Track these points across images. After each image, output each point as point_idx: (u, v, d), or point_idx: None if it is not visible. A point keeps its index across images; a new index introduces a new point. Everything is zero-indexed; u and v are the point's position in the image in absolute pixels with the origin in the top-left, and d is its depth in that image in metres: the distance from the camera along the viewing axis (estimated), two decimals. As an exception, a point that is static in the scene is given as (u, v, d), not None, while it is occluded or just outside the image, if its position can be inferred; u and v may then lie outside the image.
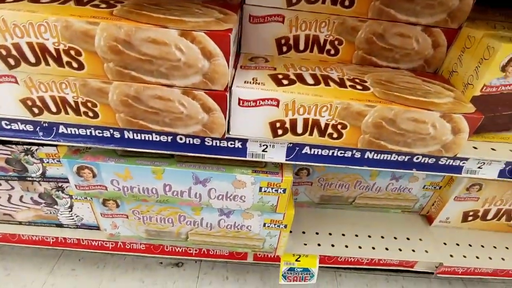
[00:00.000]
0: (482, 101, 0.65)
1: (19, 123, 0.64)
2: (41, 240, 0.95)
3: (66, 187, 0.83)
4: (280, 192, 0.73)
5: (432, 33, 0.70)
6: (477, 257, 0.98)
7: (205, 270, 1.16)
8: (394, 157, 0.68)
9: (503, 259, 0.99)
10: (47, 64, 0.54)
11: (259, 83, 0.60)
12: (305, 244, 0.96)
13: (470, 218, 1.03)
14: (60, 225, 0.93)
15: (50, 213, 0.89)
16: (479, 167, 0.70)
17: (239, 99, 0.58)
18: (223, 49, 0.51)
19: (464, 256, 0.98)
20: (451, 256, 0.98)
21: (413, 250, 0.98)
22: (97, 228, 0.93)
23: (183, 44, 0.51)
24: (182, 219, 0.82)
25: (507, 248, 1.02)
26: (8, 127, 0.65)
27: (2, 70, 0.56)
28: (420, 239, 1.02)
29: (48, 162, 0.76)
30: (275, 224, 0.81)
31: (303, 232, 1.00)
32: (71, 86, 0.57)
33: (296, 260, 0.94)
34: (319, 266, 0.96)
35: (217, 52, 0.51)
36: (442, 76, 0.74)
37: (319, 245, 0.97)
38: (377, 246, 0.98)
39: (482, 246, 1.02)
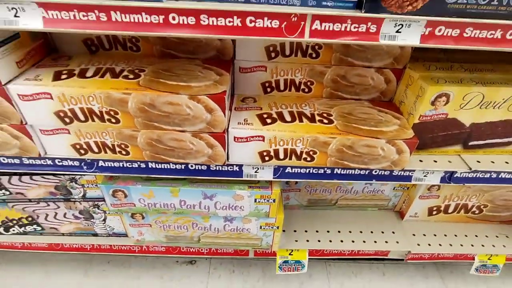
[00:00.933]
0: (421, 127, 0.84)
1: (69, 160, 0.85)
2: (80, 248, 1.16)
3: (101, 204, 1.03)
4: (271, 202, 0.93)
5: (383, 72, 0.89)
6: (440, 245, 1.18)
7: (215, 266, 1.37)
8: (357, 172, 0.88)
9: (461, 245, 1.19)
10: (93, 120, 0.74)
11: (248, 123, 0.79)
12: (296, 241, 1.16)
13: (434, 212, 1.23)
14: (95, 234, 1.14)
15: (88, 225, 1.10)
16: (424, 176, 0.90)
17: (234, 137, 0.78)
18: (220, 106, 0.71)
19: (429, 244, 1.18)
20: (418, 244, 1.18)
21: (386, 242, 1.18)
22: (125, 235, 1.14)
23: (191, 104, 0.70)
24: (194, 225, 1.03)
25: (466, 236, 1.22)
26: (60, 163, 0.85)
27: (59, 125, 0.76)
28: (393, 232, 1.22)
29: (88, 187, 0.97)
30: (269, 226, 1.02)
31: (295, 231, 1.20)
32: (110, 134, 0.77)
33: (289, 254, 1.14)
34: (309, 258, 1.16)
35: (216, 107, 0.71)
36: (394, 104, 0.93)
37: (307, 241, 1.17)
38: (356, 240, 1.18)
39: (445, 235, 1.22)
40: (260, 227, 1.02)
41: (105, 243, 1.14)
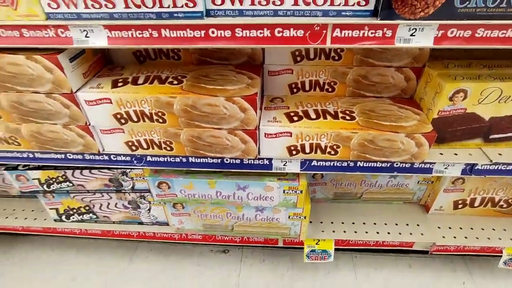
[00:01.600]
0: (440, 121, 0.89)
1: (122, 156, 0.98)
2: (127, 234, 1.31)
3: (147, 195, 1.17)
4: (298, 193, 1.02)
5: (403, 71, 0.95)
6: (466, 237, 1.21)
7: (246, 255, 1.47)
8: (379, 164, 0.94)
9: (488, 238, 1.20)
10: (144, 121, 0.87)
11: (277, 121, 0.89)
12: (322, 231, 1.24)
13: (460, 206, 1.25)
14: (141, 223, 1.28)
15: (135, 214, 1.24)
16: (445, 168, 0.94)
17: (265, 133, 0.88)
18: (252, 106, 0.81)
19: (454, 237, 1.21)
20: (443, 237, 1.21)
21: (411, 233, 1.22)
22: (167, 224, 1.27)
23: (227, 104, 0.81)
24: (229, 215, 1.13)
25: (493, 229, 1.23)
26: (115, 159, 0.99)
27: (116, 125, 0.89)
28: (418, 225, 1.26)
29: (136, 179, 1.10)
30: (297, 216, 1.10)
31: (321, 222, 1.28)
32: (157, 133, 0.90)
33: (316, 244, 1.22)
34: (335, 249, 1.23)
35: (249, 107, 0.81)
36: (415, 101, 0.98)
37: (333, 231, 1.24)
38: (381, 231, 1.23)
39: (471, 229, 1.24)
40: (289, 216, 1.11)
41: (149, 231, 1.28)
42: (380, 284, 1.34)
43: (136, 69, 0.94)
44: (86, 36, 0.72)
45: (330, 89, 1.00)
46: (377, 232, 1.23)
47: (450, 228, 1.25)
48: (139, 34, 0.71)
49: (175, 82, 0.86)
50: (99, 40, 0.72)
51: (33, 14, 0.71)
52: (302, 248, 1.24)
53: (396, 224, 1.26)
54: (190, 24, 0.69)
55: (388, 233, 1.22)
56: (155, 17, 0.69)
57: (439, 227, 1.25)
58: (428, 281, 1.34)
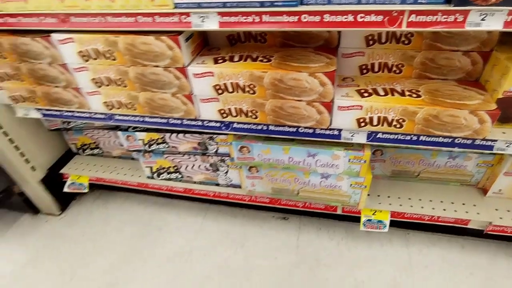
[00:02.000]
0: (505, 101, 0.96)
1: (213, 122, 1.19)
2: (205, 193, 1.54)
3: (226, 159, 1.38)
4: (362, 163, 1.15)
5: (470, 55, 1.03)
6: (524, 220, 1.24)
7: (304, 223, 1.64)
8: (440, 140, 1.04)
9: (549, 222, 1.23)
10: (237, 92, 1.06)
11: (350, 96, 1.02)
12: (380, 203, 1.36)
13: (520, 190, 1.29)
14: (217, 184, 1.50)
15: (213, 176, 1.47)
16: (507, 146, 1.01)
17: (338, 106, 1.02)
18: (331, 80, 0.96)
19: (512, 219, 1.25)
20: (500, 218, 1.26)
21: (467, 212, 1.29)
22: (239, 187, 1.47)
23: (309, 79, 0.96)
24: (296, 180, 1.30)
25: (555, 215, 1.26)
26: (207, 124, 1.20)
27: (214, 95, 1.09)
28: (474, 205, 1.32)
29: (220, 144, 1.31)
30: (358, 185, 1.24)
31: (378, 196, 1.39)
32: (246, 102, 1.08)
33: (373, 214, 1.34)
34: (390, 224, 1.34)
35: (328, 82, 0.96)
36: (480, 83, 1.06)
37: (390, 204, 1.35)
38: (436, 207, 1.31)
39: (531, 213, 1.27)
40: (351, 185, 1.25)
41: (224, 191, 1.49)
42: (432, 260, 1.42)
43: (230, 50, 1.13)
44: (202, 21, 0.92)
45: (397, 71, 1.11)
46: (433, 208, 1.31)
47: (508, 211, 1.29)
48: (244, 19, 0.89)
49: (265, 60, 1.03)
50: (212, 24, 0.92)
51: (165, 4, 0.92)
52: (357, 219, 1.37)
53: (452, 203, 1.33)
54: (287, 11, 0.85)
55: (444, 209, 1.30)
56: (259, 5, 0.86)
57: (496, 209, 1.30)
58: (483, 261, 1.39)
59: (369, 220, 1.34)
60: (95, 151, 1.74)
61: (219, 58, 1.07)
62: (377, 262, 1.44)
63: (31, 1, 1.01)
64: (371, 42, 1.06)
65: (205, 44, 1.20)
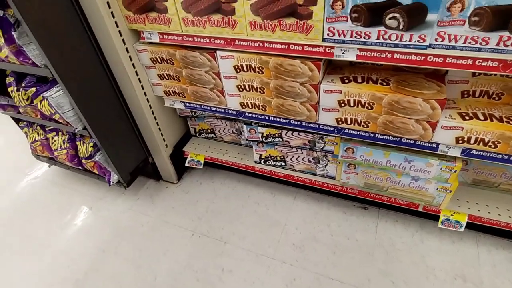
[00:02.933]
0: None
1: (328, 127, 1.48)
2: (302, 180, 1.86)
3: (328, 155, 1.68)
4: (453, 172, 1.38)
5: None
6: None
7: (382, 214, 1.90)
8: (530, 161, 1.24)
9: None
10: (357, 106, 1.33)
11: (452, 118, 1.25)
12: (459, 206, 1.58)
13: None
14: (314, 174, 1.82)
15: (313, 167, 1.78)
16: None
17: (442, 126, 1.26)
18: (441, 106, 1.19)
19: None
20: None
21: (542, 223, 1.47)
22: (334, 178, 1.78)
23: (422, 104, 1.21)
24: (388, 179, 1.57)
25: None
26: (323, 128, 1.50)
27: (337, 106, 1.38)
28: (551, 218, 1.49)
29: (327, 143, 1.61)
30: (444, 190, 1.47)
31: (457, 199, 1.61)
32: (361, 115, 1.36)
33: (451, 215, 1.57)
34: (467, 222, 1.56)
35: (438, 107, 1.20)
36: None
37: (469, 208, 1.56)
38: (513, 216, 1.51)
39: None
40: (437, 188, 1.48)
41: (319, 180, 1.81)
42: (500, 260, 1.62)
43: (351, 70, 1.40)
44: (342, 53, 1.20)
45: (496, 98, 1.30)
46: (510, 217, 1.51)
47: None
48: (378, 55, 1.15)
49: (384, 83, 1.29)
50: (351, 56, 1.20)
51: (316, 38, 1.21)
52: (434, 217, 1.61)
53: (529, 214, 1.51)
54: (415, 52, 1.10)
55: (520, 218, 1.49)
56: (393, 46, 1.12)
57: None
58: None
59: (447, 219, 1.57)
60: (210, 135, 2.14)
61: (345, 78, 1.35)
62: (447, 255, 1.68)
63: (207, 27, 1.36)
64: (477, 74, 1.27)
65: (328, 63, 1.48)
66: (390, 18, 1.07)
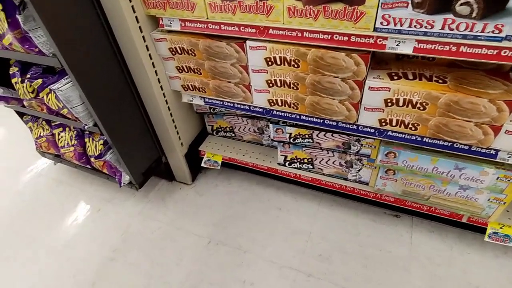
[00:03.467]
0: None
1: (368, 128, 1.33)
2: (331, 185, 1.71)
3: (363, 159, 1.52)
4: (510, 181, 1.23)
5: None
6: None
7: (416, 223, 1.75)
8: None
9: None
10: (406, 106, 1.17)
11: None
12: (509, 219, 1.43)
13: None
14: (345, 179, 1.67)
15: (344, 171, 1.63)
16: None
17: (507, 130, 1.10)
18: (510, 109, 1.04)
19: None
20: None
21: None
22: (367, 184, 1.62)
23: (487, 105, 1.05)
24: (431, 187, 1.41)
25: None
26: (362, 129, 1.35)
27: (382, 106, 1.22)
28: None
29: (364, 146, 1.46)
30: (497, 201, 1.32)
31: (507, 211, 1.46)
32: (410, 116, 1.20)
33: (500, 228, 1.42)
34: None
35: (506, 109, 1.04)
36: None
37: (520, 221, 1.42)
38: None
39: None
40: (489, 199, 1.33)
41: (350, 185, 1.65)
42: (551, 276, 1.48)
43: (398, 65, 1.24)
44: (397, 45, 1.04)
45: None
46: None
47: None
48: (440, 47, 0.99)
49: (440, 81, 1.13)
50: (407, 48, 1.04)
51: (366, 27, 1.05)
52: (476, 228, 1.46)
53: None
54: (486, 45, 0.94)
55: None
56: (460, 36, 0.96)
57: None
58: None
59: (495, 233, 1.42)
60: (228, 134, 1.98)
61: (393, 73, 1.19)
62: (490, 270, 1.53)
63: (237, 14, 1.20)
64: (547, 72, 1.11)
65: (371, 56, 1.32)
66: (462, 4, 0.91)
